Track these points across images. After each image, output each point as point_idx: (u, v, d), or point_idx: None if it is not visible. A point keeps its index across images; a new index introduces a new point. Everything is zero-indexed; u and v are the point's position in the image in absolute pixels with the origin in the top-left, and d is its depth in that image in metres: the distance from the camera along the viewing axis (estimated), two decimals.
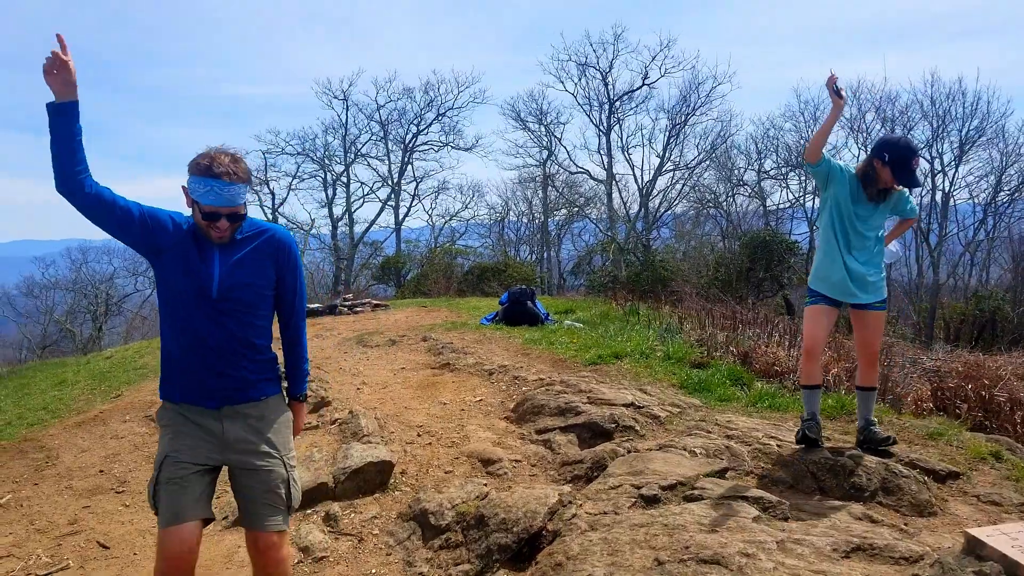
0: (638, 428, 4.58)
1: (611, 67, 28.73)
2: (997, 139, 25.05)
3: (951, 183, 25.75)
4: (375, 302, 14.23)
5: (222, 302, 2.36)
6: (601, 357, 6.72)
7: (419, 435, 4.86)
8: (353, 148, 32.03)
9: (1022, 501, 3.41)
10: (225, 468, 2.47)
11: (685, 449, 4.03)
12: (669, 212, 30.54)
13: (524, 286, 10.61)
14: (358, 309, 13.22)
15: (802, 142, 25.59)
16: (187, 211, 2.40)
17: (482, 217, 34.65)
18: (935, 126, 25.24)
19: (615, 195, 29.95)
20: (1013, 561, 2.33)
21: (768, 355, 6.44)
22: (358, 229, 32.40)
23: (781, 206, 28.70)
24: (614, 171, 29.72)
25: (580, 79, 29.28)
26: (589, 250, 28.98)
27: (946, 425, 4.51)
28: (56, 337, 31.87)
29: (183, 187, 2.34)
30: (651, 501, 3.37)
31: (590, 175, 31.07)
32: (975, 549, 2.51)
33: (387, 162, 32.62)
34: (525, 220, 35.46)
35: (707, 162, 29.09)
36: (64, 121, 2.16)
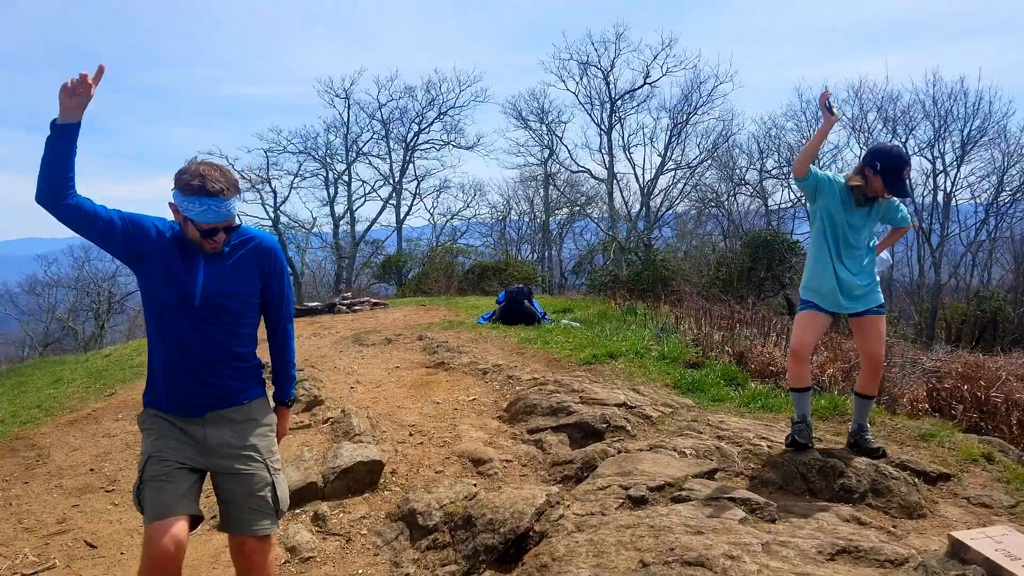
0: (629, 428, 4.56)
1: (613, 66, 28.67)
2: (999, 139, 25.03)
3: (953, 183, 25.72)
4: (374, 301, 14.24)
5: (205, 310, 2.35)
6: (596, 356, 6.70)
7: (411, 434, 4.86)
8: (355, 147, 32.04)
9: (1012, 503, 3.38)
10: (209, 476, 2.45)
11: (675, 450, 4.01)
12: (670, 211, 30.51)
13: (521, 285, 10.61)
14: (357, 308, 13.23)
15: (804, 142, 25.54)
16: (170, 216, 2.39)
17: (483, 216, 34.67)
18: (937, 126, 25.21)
19: (616, 194, 29.93)
20: (996, 565, 2.31)
21: (764, 355, 6.41)
22: (360, 228, 32.43)
23: (783, 206, 28.73)
24: (615, 170, 29.69)
25: (582, 78, 29.23)
26: (590, 249, 28.94)
27: (939, 426, 4.48)
28: (58, 335, 31.97)
29: (171, 204, 2.32)
30: (639, 502, 3.36)
31: (591, 174, 31.07)
32: (959, 552, 2.49)
33: (389, 161, 32.64)
34: (526, 219, 35.48)
35: (709, 161, 29.07)
36: (66, 142, 2.15)
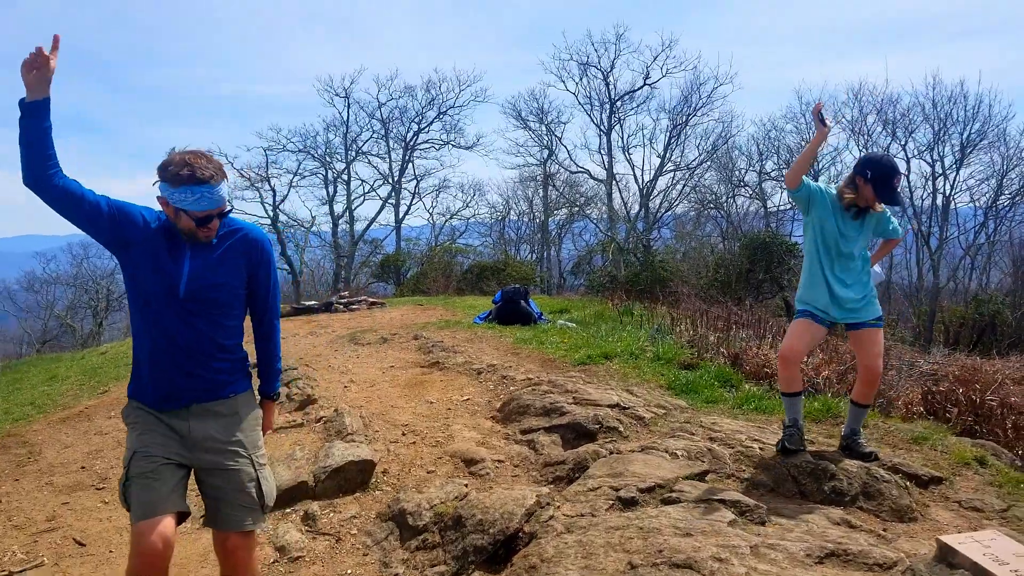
0: (622, 429, 4.55)
1: (612, 67, 28.67)
2: (998, 142, 24.97)
3: (952, 186, 25.67)
4: (371, 300, 14.23)
5: (190, 302, 2.33)
6: (591, 357, 6.69)
7: (404, 434, 4.84)
8: (354, 146, 32.03)
9: (1004, 507, 3.37)
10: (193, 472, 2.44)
11: (667, 451, 4.00)
12: (669, 213, 30.47)
13: (518, 285, 10.61)
14: (354, 307, 13.22)
15: (803, 144, 25.52)
16: (157, 207, 2.38)
17: (483, 216, 34.64)
18: (936, 129, 25.16)
19: (615, 195, 29.92)
20: (983, 569, 2.29)
21: (759, 357, 6.39)
22: (359, 227, 32.40)
23: (782, 207, 28.63)
24: (615, 171, 29.69)
25: (581, 79, 29.23)
26: (589, 250, 28.90)
27: (932, 429, 4.47)
28: (56, 332, 31.96)
29: (159, 198, 2.31)
30: (629, 503, 3.35)
31: (591, 175, 31.04)
32: (947, 557, 2.48)
33: (388, 160, 32.62)
34: (526, 219, 35.46)
35: (708, 163, 29.04)
36: (36, 120, 2.14)
